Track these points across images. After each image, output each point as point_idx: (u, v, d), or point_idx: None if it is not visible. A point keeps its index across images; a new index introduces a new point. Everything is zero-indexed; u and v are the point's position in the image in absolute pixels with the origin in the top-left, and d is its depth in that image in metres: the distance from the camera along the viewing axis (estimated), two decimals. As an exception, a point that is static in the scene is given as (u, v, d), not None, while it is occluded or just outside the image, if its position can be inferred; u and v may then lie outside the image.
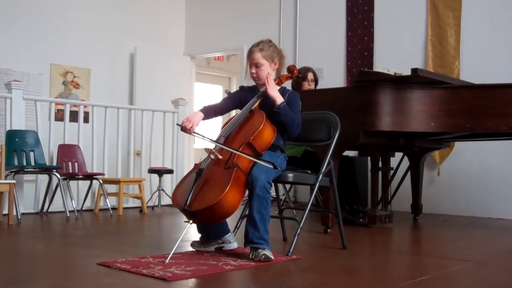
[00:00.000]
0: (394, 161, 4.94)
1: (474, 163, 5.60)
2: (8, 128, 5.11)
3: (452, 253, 3.48)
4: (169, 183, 6.52)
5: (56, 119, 5.93)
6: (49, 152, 5.54)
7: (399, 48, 6.16)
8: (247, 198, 2.91)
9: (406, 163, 5.05)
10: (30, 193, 5.37)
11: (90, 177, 5.56)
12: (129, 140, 6.34)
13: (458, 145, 5.66)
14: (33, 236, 3.97)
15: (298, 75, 3.37)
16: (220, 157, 2.90)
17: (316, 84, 5.22)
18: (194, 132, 3.01)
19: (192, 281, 2.39)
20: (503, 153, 5.41)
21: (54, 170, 5.11)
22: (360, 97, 4.06)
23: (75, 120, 5.98)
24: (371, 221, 4.41)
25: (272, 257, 2.78)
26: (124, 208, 5.68)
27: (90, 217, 5.16)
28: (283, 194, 5.50)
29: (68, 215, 4.92)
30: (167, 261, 2.67)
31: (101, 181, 5.48)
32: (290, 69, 3.25)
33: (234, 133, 3.02)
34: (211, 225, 3.01)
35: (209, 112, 3.17)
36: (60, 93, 6.94)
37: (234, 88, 9.31)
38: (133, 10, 7.70)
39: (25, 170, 4.95)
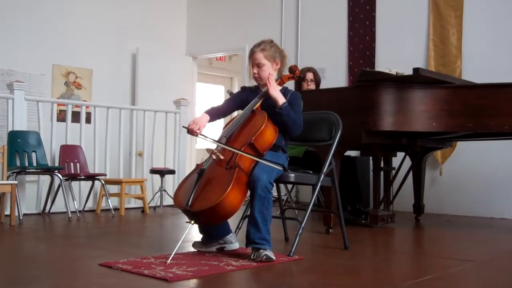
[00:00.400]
0: (396, 161, 4.93)
1: (476, 163, 5.59)
2: (10, 129, 5.12)
3: (454, 253, 3.47)
4: (171, 183, 6.53)
5: (58, 119, 5.93)
6: (51, 152, 5.55)
7: (400, 48, 6.16)
8: (248, 198, 2.90)
9: (408, 163, 5.05)
10: (32, 194, 5.37)
11: (92, 177, 5.56)
12: (131, 141, 6.34)
13: (460, 145, 5.65)
14: (35, 237, 3.97)
15: (300, 75, 3.37)
16: (221, 157, 2.90)
17: (317, 84, 5.21)
18: (200, 134, 3.01)
19: (193, 282, 2.39)
20: (506, 152, 5.39)
21: (56, 171, 5.12)
22: (362, 97, 4.05)
23: (77, 120, 5.98)
24: (373, 221, 4.40)
25: (274, 258, 2.77)
26: (126, 208, 5.68)
27: (92, 217, 5.16)
28: (285, 194, 5.49)
29: (70, 215, 4.92)
30: (168, 261, 2.67)
31: (103, 182, 5.48)
32: (292, 69, 3.25)
33: (236, 133, 3.02)
34: (212, 226, 3.00)
35: (214, 114, 3.18)
36: (62, 94, 6.95)
37: (236, 89, 9.31)
38: (135, 11, 7.71)
39: (27, 170, 4.95)
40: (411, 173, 5.05)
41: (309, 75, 5.13)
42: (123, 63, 7.60)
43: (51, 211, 5.34)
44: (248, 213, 2.91)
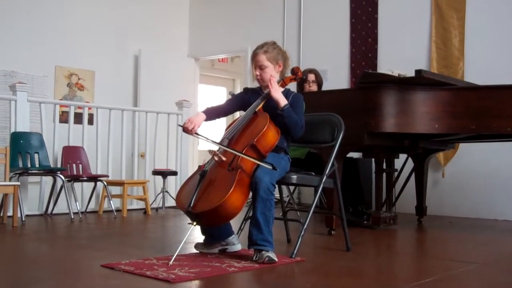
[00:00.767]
0: (398, 162, 4.92)
1: (478, 164, 5.58)
2: (12, 130, 5.13)
3: (457, 255, 3.46)
4: (173, 185, 6.53)
5: (61, 121, 5.94)
6: (54, 154, 5.55)
7: (403, 50, 6.15)
8: (250, 200, 2.90)
9: (410, 164, 5.04)
10: (34, 195, 5.37)
11: (94, 179, 5.57)
12: (133, 142, 6.35)
13: (463, 147, 5.65)
14: (37, 238, 3.98)
15: (302, 77, 3.37)
16: (223, 158, 2.90)
17: (319, 85, 5.21)
18: (195, 133, 3.02)
19: (195, 283, 2.39)
20: (508, 154, 5.39)
21: (59, 172, 5.12)
22: (364, 98, 4.05)
23: (80, 122, 5.99)
24: (375, 223, 4.40)
25: (276, 259, 2.77)
26: (128, 210, 5.67)
27: (94, 219, 5.17)
28: (287, 196, 5.49)
29: (72, 217, 4.92)
30: (170, 263, 2.67)
31: (105, 183, 5.49)
32: (294, 71, 3.25)
33: (238, 135, 3.02)
34: (215, 227, 3.00)
35: (212, 113, 3.18)
36: (64, 95, 6.96)
37: (238, 90, 9.32)
38: (137, 12, 7.72)
39: (30, 172, 4.95)
40: (413, 174, 5.04)
41: (311, 77, 5.14)
42: (125, 65, 7.61)
43: (54, 212, 5.34)
44: (250, 214, 2.90)
